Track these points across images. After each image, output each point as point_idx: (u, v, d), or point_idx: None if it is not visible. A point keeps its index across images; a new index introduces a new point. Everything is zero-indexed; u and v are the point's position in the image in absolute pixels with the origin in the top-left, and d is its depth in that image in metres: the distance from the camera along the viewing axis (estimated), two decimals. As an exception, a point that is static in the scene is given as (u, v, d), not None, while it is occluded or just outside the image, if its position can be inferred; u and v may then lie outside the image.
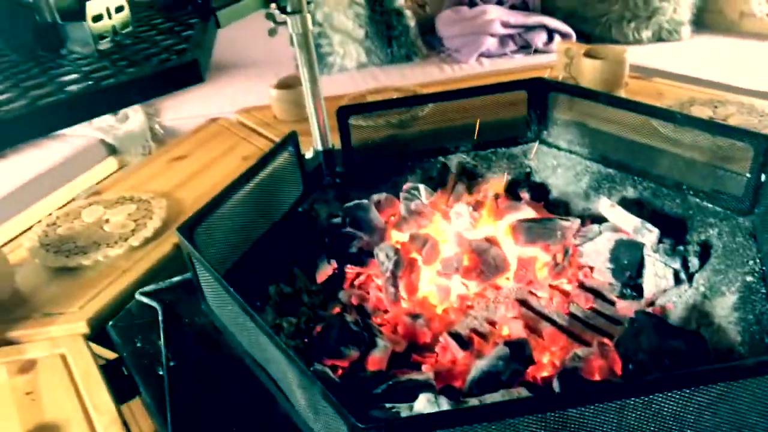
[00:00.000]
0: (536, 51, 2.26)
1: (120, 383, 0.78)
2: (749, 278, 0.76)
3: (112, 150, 2.16)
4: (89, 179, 2.03)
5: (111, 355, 0.85)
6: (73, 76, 0.67)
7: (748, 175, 0.84)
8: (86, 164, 2.08)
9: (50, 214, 1.10)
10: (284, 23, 1.00)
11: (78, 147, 2.08)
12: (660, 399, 0.49)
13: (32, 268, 0.97)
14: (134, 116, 2.21)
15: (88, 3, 0.70)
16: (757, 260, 0.78)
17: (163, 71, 0.65)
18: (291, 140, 0.99)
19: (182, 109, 2.23)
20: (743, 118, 1.17)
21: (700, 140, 0.91)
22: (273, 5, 0.98)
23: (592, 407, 0.49)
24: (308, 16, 1.00)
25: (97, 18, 0.73)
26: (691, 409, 0.50)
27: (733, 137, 0.85)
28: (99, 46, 0.73)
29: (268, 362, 0.67)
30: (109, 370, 0.79)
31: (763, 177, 0.82)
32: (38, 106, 0.60)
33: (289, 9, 0.99)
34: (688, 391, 0.49)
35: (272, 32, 1.01)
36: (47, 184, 1.92)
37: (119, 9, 0.76)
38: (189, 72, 0.66)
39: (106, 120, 2.20)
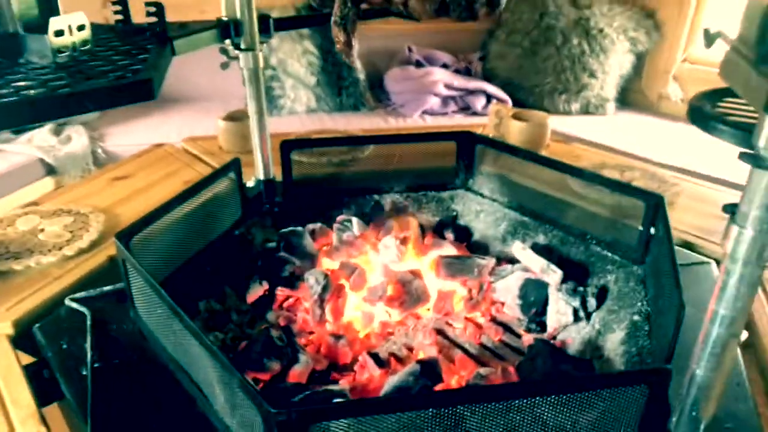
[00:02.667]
0: (475, 113, 2.42)
1: (42, 386, 0.79)
2: (636, 317, 0.86)
3: (51, 170, 2.14)
4: (24, 196, 2.00)
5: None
6: (30, 82, 0.71)
7: (641, 228, 0.95)
8: (22, 181, 2.05)
9: (-17, 221, 1.10)
10: (236, 58, 1.07)
11: (16, 163, 2.06)
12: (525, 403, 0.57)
13: (-40, 270, 0.97)
14: (77, 138, 2.20)
15: (52, 18, 0.75)
16: (644, 303, 0.88)
17: (118, 86, 0.70)
18: (233, 166, 1.05)
19: (127, 136, 2.25)
20: (645, 182, 1.31)
21: (603, 197, 1.02)
22: (227, 41, 1.05)
23: (471, 406, 0.55)
24: (260, 54, 1.08)
25: (59, 33, 0.78)
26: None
27: (629, 195, 0.96)
28: (57, 59, 0.78)
29: (191, 364, 0.71)
30: (30, 373, 0.80)
31: (652, 230, 0.93)
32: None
33: (242, 46, 1.06)
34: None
35: (224, 66, 1.08)
36: (-21, 196, 1.89)
37: (81, 27, 0.81)
38: (142, 89, 0.71)
39: (47, 140, 2.19)
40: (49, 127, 2.25)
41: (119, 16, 0.93)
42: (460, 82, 2.45)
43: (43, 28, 0.77)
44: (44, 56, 0.79)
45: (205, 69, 2.41)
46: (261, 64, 1.08)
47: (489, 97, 2.43)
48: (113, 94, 0.70)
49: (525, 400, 0.57)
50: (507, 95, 2.42)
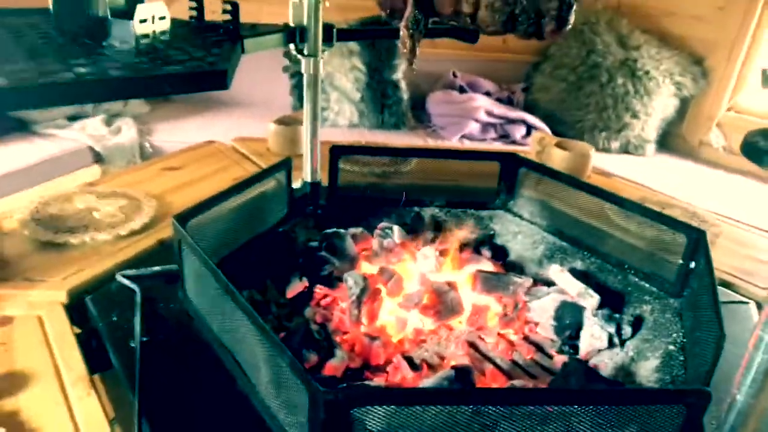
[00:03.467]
0: (514, 142, 2.45)
1: (89, 355, 0.82)
2: (671, 347, 0.86)
3: (99, 158, 2.21)
4: (71, 181, 2.07)
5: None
6: (114, 63, 0.76)
7: (680, 261, 0.96)
8: (71, 166, 2.13)
9: (43, 197, 1.16)
10: (298, 63, 1.12)
11: (66, 149, 2.14)
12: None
13: (20, 238, 1.01)
14: (127, 130, 2.28)
15: (139, 6, 0.80)
16: (680, 334, 0.88)
17: (195, 73, 0.75)
18: (285, 165, 1.09)
19: (174, 133, 2.32)
20: (685, 220, 1.31)
21: (643, 229, 1.03)
22: (292, 46, 1.10)
23: (512, 408, 0.57)
24: (321, 61, 1.12)
25: (143, 21, 0.83)
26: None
27: (671, 227, 0.98)
28: (139, 45, 0.83)
29: (236, 344, 0.74)
30: (80, 341, 0.84)
31: (692, 264, 0.94)
32: (83, 80, 0.68)
33: (305, 52, 1.11)
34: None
35: (287, 69, 1.13)
36: (30, 177, 1.96)
37: (162, 18, 0.86)
38: (217, 78, 0.76)
39: (98, 129, 2.27)
40: (101, 117, 2.34)
41: (193, 12, 0.99)
42: (501, 110, 2.48)
43: (128, 15, 0.82)
44: (126, 41, 0.84)
45: (253, 76, 2.49)
46: (321, 70, 1.12)
47: (529, 128, 2.45)
48: (190, 81, 0.74)
49: (563, 408, 0.58)
50: (547, 127, 2.45)
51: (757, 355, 0.54)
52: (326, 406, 0.54)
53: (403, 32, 0.85)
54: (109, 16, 0.83)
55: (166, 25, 0.89)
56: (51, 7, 0.88)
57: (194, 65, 0.79)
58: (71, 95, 0.70)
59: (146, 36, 0.84)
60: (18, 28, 0.88)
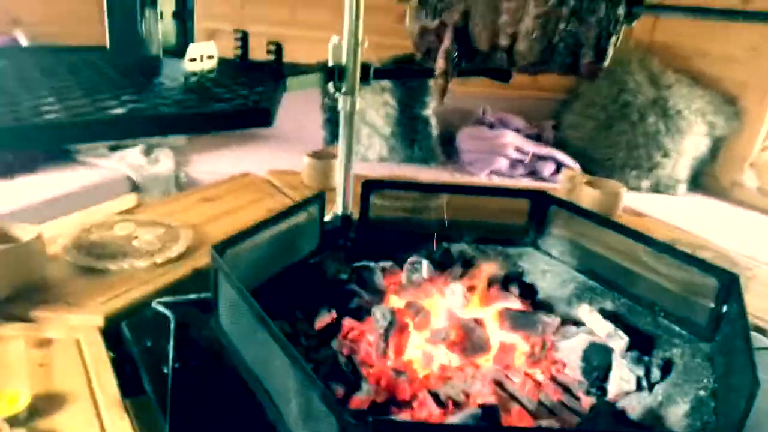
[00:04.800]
0: (542, 179, 2.45)
1: (123, 380, 0.85)
2: (702, 392, 0.85)
3: (135, 188, 2.28)
4: (108, 209, 2.14)
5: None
6: (164, 100, 0.80)
7: (712, 305, 0.95)
8: (108, 194, 2.20)
9: (85, 224, 1.20)
10: (336, 100, 1.16)
11: (105, 177, 2.21)
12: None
13: (62, 264, 1.05)
14: (164, 161, 2.36)
15: (191, 45, 0.85)
16: (711, 380, 0.87)
17: (241, 111, 0.78)
18: (319, 198, 1.12)
19: (209, 165, 2.39)
20: (718, 263, 1.30)
21: (674, 271, 1.03)
22: (331, 84, 1.14)
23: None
24: (358, 99, 1.16)
25: (193, 59, 0.87)
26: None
27: (703, 270, 0.97)
28: (187, 83, 0.87)
29: (267, 374, 0.75)
30: (114, 366, 0.86)
31: (724, 308, 0.93)
32: (134, 115, 0.72)
33: (343, 90, 1.15)
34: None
35: (325, 107, 1.16)
36: (70, 204, 2.03)
37: (210, 57, 0.91)
38: (261, 116, 0.79)
39: (137, 159, 2.35)
40: (140, 147, 2.42)
41: (237, 51, 1.03)
42: (530, 146, 2.49)
43: (177, 54, 0.87)
44: (175, 79, 0.88)
45: (286, 110, 2.56)
46: (357, 107, 1.15)
47: (558, 166, 2.46)
48: (236, 118, 0.77)
49: (591, 451, 0.58)
50: (577, 164, 2.45)
51: (791, 404, 0.54)
52: (355, 439, 0.55)
53: (439, 65, 0.87)
54: (161, 55, 0.88)
55: (213, 63, 0.93)
56: (107, 44, 0.93)
57: (239, 103, 0.82)
58: (123, 131, 0.74)
59: (195, 74, 0.88)
60: (75, 64, 0.93)
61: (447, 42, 0.99)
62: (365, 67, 1.14)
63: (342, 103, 1.14)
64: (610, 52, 0.78)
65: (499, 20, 0.82)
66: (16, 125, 0.61)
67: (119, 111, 0.72)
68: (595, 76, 0.81)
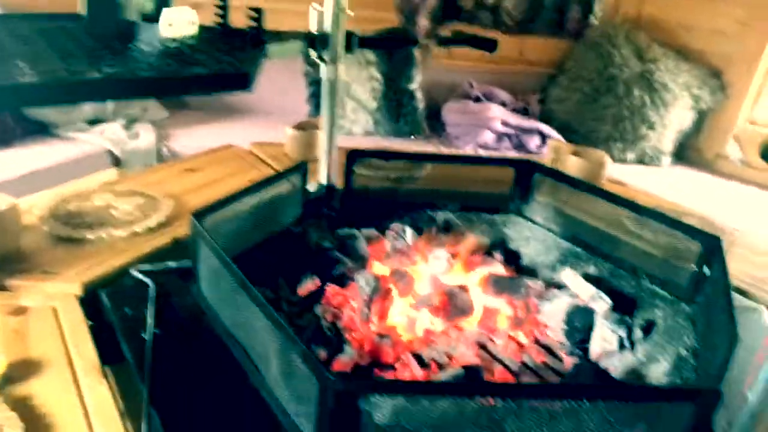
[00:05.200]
0: (529, 152, 2.44)
1: (102, 347, 0.83)
2: (683, 351, 0.85)
3: (116, 162, 2.25)
4: (88, 184, 2.10)
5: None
6: (140, 64, 0.78)
7: (695, 268, 0.95)
8: (89, 169, 2.16)
9: (62, 194, 1.18)
10: (317, 66, 1.13)
11: (86, 152, 2.18)
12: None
13: (39, 233, 1.03)
14: (145, 135, 2.32)
15: (165, 9, 0.82)
16: (692, 339, 0.87)
17: (220, 74, 0.76)
18: (301, 168, 1.10)
19: (191, 139, 2.35)
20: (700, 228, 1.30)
21: (658, 235, 1.03)
22: (313, 52, 1.11)
23: (520, 400, 0.57)
24: (341, 67, 1.13)
25: (169, 25, 0.85)
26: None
27: (686, 233, 0.97)
28: (165, 48, 0.85)
29: (248, 338, 0.74)
30: (93, 333, 0.85)
31: (706, 271, 0.93)
32: (110, 78, 0.70)
33: (325, 58, 1.13)
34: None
35: (308, 75, 1.14)
36: (49, 178, 1.99)
37: (192, 23, 0.88)
38: (240, 80, 0.77)
39: (117, 133, 2.31)
40: (120, 122, 2.38)
41: (218, 18, 1.01)
42: (516, 120, 2.48)
43: (156, 19, 0.85)
44: (153, 45, 0.86)
45: (270, 85, 2.53)
46: (342, 76, 1.13)
47: (544, 138, 2.45)
48: (215, 82, 0.76)
49: (572, 404, 0.58)
50: (562, 137, 2.44)
51: (770, 353, 0.54)
52: (336, 395, 0.55)
53: (422, 23, 0.85)
54: (138, 21, 0.86)
55: (193, 30, 0.91)
56: (82, 11, 0.90)
57: (219, 67, 0.80)
58: (98, 93, 0.72)
59: (174, 40, 0.86)
60: (50, 31, 0.90)
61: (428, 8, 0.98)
62: (349, 36, 1.12)
63: (324, 72, 1.12)
64: (597, 9, 0.76)
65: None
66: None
67: (94, 75, 0.70)
68: (581, 34, 0.79)
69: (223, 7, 1.00)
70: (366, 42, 1.23)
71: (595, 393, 0.58)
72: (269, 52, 0.97)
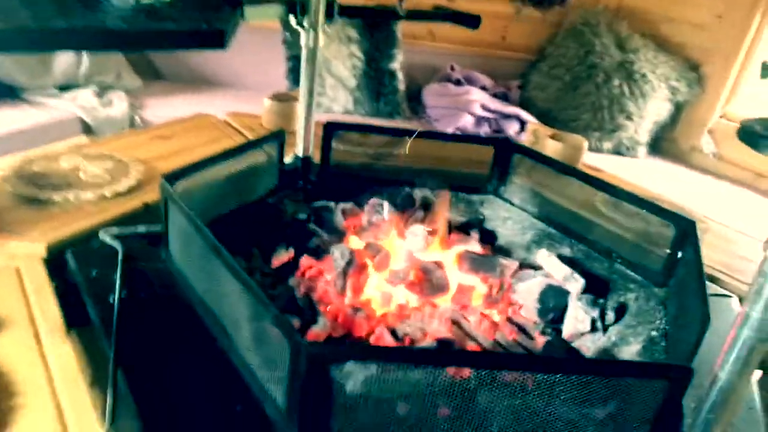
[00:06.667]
0: (507, 138, 2.44)
1: (67, 310, 0.81)
2: (654, 333, 0.86)
3: (87, 129, 2.19)
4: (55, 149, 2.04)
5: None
6: (112, 17, 0.75)
7: (668, 251, 0.96)
8: (59, 136, 2.10)
9: (28, 155, 1.14)
10: (297, 33, 1.11)
11: (56, 118, 2.11)
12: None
13: (3, 193, 1.00)
14: (118, 103, 2.26)
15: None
16: (663, 321, 0.88)
17: (194, 31, 0.74)
18: (278, 136, 1.08)
19: (166, 109, 2.30)
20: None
21: (632, 218, 1.03)
22: (292, 18, 1.09)
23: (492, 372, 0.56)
24: (321, 35, 1.11)
25: (144, -20, 0.81)
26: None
27: (661, 215, 0.98)
28: (138, 4, 0.81)
29: (219, 303, 0.73)
30: (57, 295, 0.82)
31: (679, 254, 0.94)
32: (76, 29, 0.67)
33: (305, 25, 1.10)
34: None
35: (287, 42, 1.11)
36: (17, 143, 1.93)
37: (165, -20, 0.85)
38: (215, 37, 0.74)
39: (89, 101, 2.24)
40: (93, 89, 2.31)
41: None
42: (496, 105, 2.47)
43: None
44: (126, 1, 0.82)
45: (248, 59, 2.48)
46: (321, 44, 1.11)
47: (523, 124, 2.45)
48: (188, 38, 0.73)
49: (544, 377, 0.58)
50: (541, 124, 2.45)
51: (743, 331, 0.54)
52: (308, 359, 0.53)
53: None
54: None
55: (169, -12, 0.87)
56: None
57: (193, 24, 0.77)
58: (65, 41, 0.69)
59: (149, -3, 0.82)
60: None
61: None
62: (329, 2, 1.09)
63: (304, 39, 1.09)
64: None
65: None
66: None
67: (60, 24, 0.67)
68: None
69: (203, -33, 0.96)
70: (346, 10, 1.20)
71: (568, 367, 0.57)
72: (246, 13, 0.94)
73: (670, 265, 0.96)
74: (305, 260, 1.01)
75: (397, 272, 0.99)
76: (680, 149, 2.45)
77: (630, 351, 0.85)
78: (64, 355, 0.68)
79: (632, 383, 0.59)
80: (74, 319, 0.80)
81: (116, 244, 0.89)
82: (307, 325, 0.83)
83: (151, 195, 1.06)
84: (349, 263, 0.96)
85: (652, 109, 2.36)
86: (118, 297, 0.78)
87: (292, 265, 1.00)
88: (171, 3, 0.87)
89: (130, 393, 0.66)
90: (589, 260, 1.05)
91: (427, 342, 0.80)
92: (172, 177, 0.84)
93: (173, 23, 0.75)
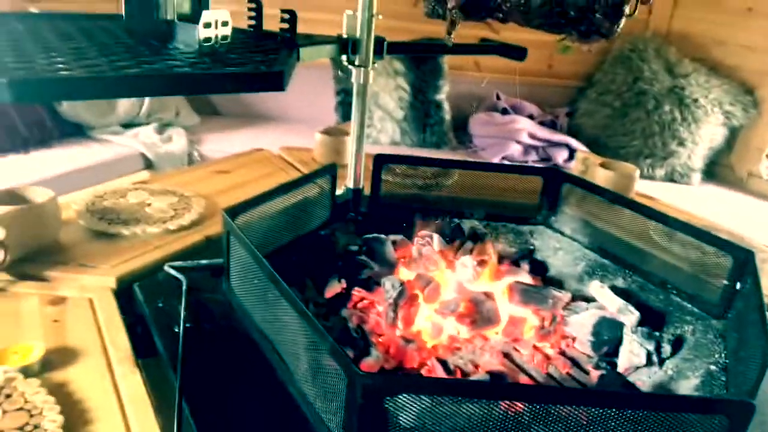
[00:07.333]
0: (555, 166, 2.43)
1: (135, 340, 0.85)
2: (713, 367, 0.84)
3: (149, 165, 2.30)
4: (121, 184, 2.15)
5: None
6: (178, 62, 0.80)
7: (726, 282, 0.94)
8: (122, 171, 2.22)
9: (98, 191, 1.21)
10: (349, 73, 1.15)
11: (120, 154, 2.23)
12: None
13: (76, 228, 1.06)
14: (177, 139, 2.37)
15: (204, 11, 0.85)
16: (723, 355, 0.86)
17: (255, 74, 0.78)
18: (330, 170, 1.12)
19: (222, 144, 2.40)
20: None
21: (687, 249, 1.02)
22: (344, 57, 1.13)
23: (549, 406, 0.57)
24: (371, 72, 1.15)
25: (207, 25, 0.87)
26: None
27: (718, 246, 0.96)
28: (202, 48, 0.87)
29: (278, 334, 0.75)
30: (126, 326, 0.87)
31: (738, 286, 0.92)
32: (148, 74, 0.72)
33: (356, 63, 1.15)
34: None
35: (337, 78, 1.16)
36: (84, 179, 2.05)
37: (225, 23, 0.91)
38: (275, 79, 0.79)
39: (150, 137, 2.36)
40: (153, 126, 2.43)
41: (252, 21, 1.03)
42: (544, 133, 2.48)
43: (194, 19, 0.87)
44: (189, 44, 0.88)
45: (299, 95, 2.56)
46: (371, 80, 1.15)
47: (571, 153, 2.44)
48: (250, 80, 0.77)
49: (599, 411, 0.58)
50: (590, 152, 2.43)
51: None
52: (364, 390, 0.55)
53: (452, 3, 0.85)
54: (176, 20, 0.88)
55: (228, 31, 0.93)
56: (123, 11, 0.93)
57: (253, 67, 0.82)
58: (138, 88, 0.75)
59: (208, 40, 0.88)
60: (90, 29, 0.93)
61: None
62: (379, 41, 1.14)
63: (355, 76, 1.14)
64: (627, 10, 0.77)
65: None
66: (32, 77, 0.61)
67: (135, 71, 0.72)
68: (612, 33, 0.79)
69: (257, 10, 1.02)
70: (395, 47, 1.24)
71: (623, 401, 0.57)
72: (303, 54, 0.99)
73: (729, 297, 0.94)
74: (357, 292, 1.03)
75: (447, 303, 1.00)
76: (737, 175, 2.39)
77: (688, 385, 0.84)
78: (134, 382, 0.72)
79: (690, 419, 0.58)
80: (142, 350, 0.84)
81: (180, 276, 0.94)
82: (360, 356, 0.85)
83: (212, 228, 1.11)
84: (400, 294, 0.98)
85: (706, 134, 2.32)
86: (183, 328, 0.82)
87: (344, 297, 1.03)
88: (231, 47, 0.93)
89: (193, 421, 0.70)
90: (644, 292, 1.04)
91: (479, 375, 0.81)
92: (233, 211, 0.88)
93: (235, 67, 0.80)
